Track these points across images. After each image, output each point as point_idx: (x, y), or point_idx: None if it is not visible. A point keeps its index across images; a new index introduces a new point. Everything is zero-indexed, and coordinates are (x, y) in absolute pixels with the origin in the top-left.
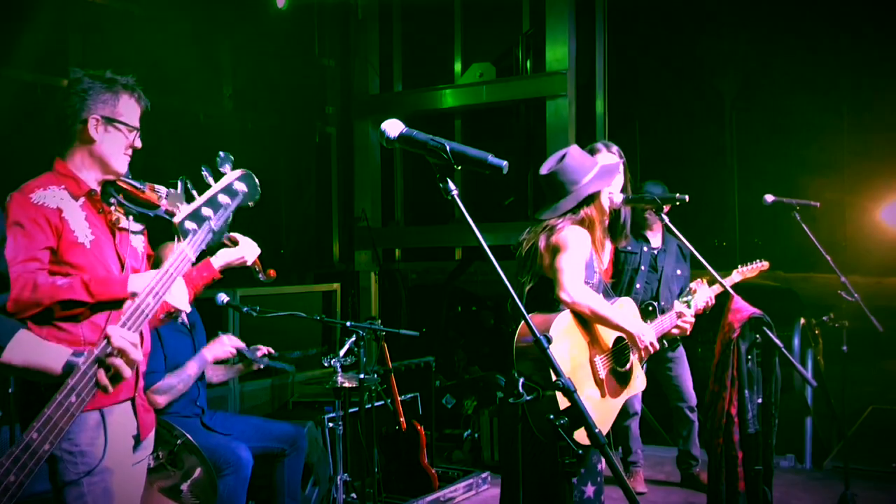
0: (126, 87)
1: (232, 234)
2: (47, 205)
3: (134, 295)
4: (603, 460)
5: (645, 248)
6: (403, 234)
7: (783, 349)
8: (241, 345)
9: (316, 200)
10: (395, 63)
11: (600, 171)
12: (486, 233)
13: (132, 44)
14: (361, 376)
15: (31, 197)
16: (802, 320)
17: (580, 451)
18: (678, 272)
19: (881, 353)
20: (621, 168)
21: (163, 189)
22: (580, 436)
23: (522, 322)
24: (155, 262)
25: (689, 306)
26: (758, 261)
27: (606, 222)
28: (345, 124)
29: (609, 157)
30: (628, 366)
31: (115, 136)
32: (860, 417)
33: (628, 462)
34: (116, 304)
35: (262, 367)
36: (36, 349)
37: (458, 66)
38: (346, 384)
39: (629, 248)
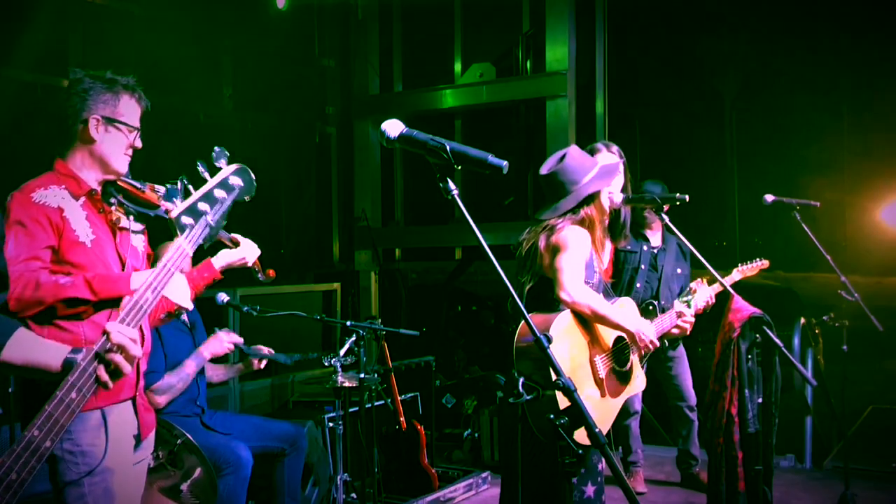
0: (126, 87)
1: (233, 234)
2: (48, 204)
3: None
4: (603, 460)
5: (645, 247)
6: (403, 234)
7: (783, 349)
8: (239, 340)
9: (316, 200)
10: (395, 63)
11: (600, 171)
12: (486, 233)
13: (132, 44)
14: (361, 376)
15: (32, 196)
16: (802, 320)
17: (580, 451)
18: (678, 271)
19: (881, 352)
20: (621, 168)
21: (162, 189)
22: (580, 436)
23: (522, 322)
24: (155, 262)
25: (689, 306)
26: (758, 259)
27: (606, 222)
28: (345, 124)
29: (609, 156)
30: (628, 365)
31: (115, 136)
32: (860, 417)
33: (628, 462)
34: (119, 302)
35: (262, 366)
36: (34, 347)
37: (458, 66)
38: (346, 384)
39: (629, 247)
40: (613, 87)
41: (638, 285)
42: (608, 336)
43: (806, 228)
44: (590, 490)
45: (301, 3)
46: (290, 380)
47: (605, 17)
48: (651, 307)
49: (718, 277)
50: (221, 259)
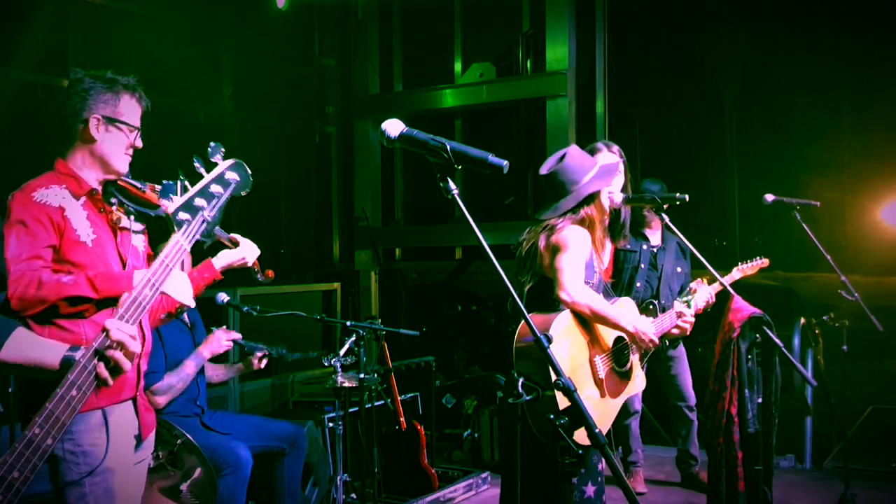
0: (127, 87)
1: (232, 234)
2: (50, 203)
3: None
4: (603, 460)
5: (644, 246)
6: (403, 233)
7: (783, 349)
8: (237, 336)
9: (316, 200)
10: (395, 63)
11: (600, 171)
12: (486, 232)
13: (132, 44)
14: (361, 376)
15: (33, 196)
16: (802, 320)
17: (580, 452)
18: (678, 269)
19: (881, 352)
20: (621, 167)
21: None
22: (580, 436)
23: (522, 322)
24: None
25: (688, 306)
26: (758, 258)
27: (606, 222)
28: (345, 124)
29: (609, 156)
30: (628, 365)
31: (116, 136)
32: (860, 417)
33: (628, 462)
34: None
35: (262, 365)
36: (33, 346)
37: (458, 66)
38: (346, 384)
39: (628, 246)
40: (613, 87)
41: (638, 284)
42: (608, 336)
43: (806, 228)
44: (590, 490)
45: (301, 3)
46: (290, 380)
47: (605, 17)
48: (651, 306)
49: (718, 277)
50: (221, 259)
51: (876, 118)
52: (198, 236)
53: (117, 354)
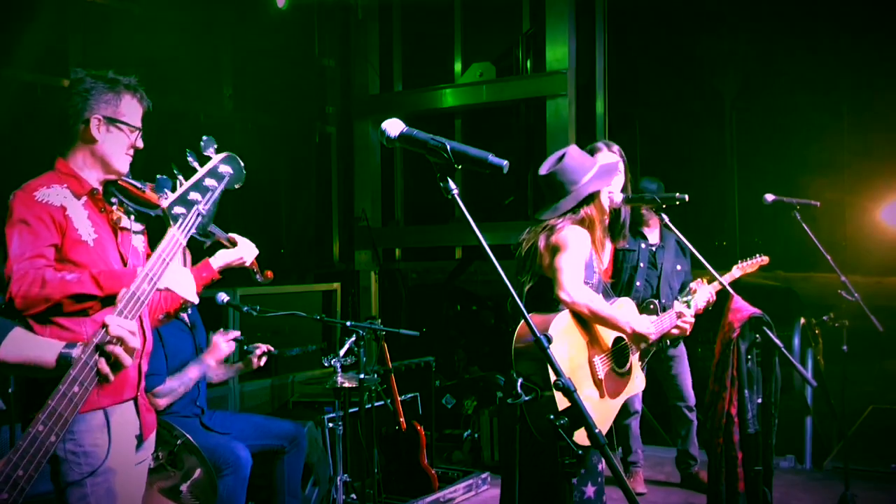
0: (128, 87)
1: (231, 234)
2: (52, 202)
3: None
4: (603, 460)
5: (643, 245)
6: (403, 233)
7: (783, 349)
8: (235, 333)
9: (316, 200)
10: (395, 63)
11: (599, 171)
12: (486, 232)
13: (132, 44)
14: (361, 376)
15: (35, 195)
16: (802, 320)
17: (580, 452)
18: (678, 267)
19: (881, 352)
20: (621, 167)
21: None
22: (580, 436)
23: (521, 322)
24: None
25: (688, 306)
26: (757, 255)
27: (606, 222)
28: (345, 124)
29: (609, 156)
30: (627, 366)
31: (116, 136)
32: (860, 417)
33: (628, 462)
34: None
35: (261, 363)
36: (30, 344)
37: (458, 66)
38: (346, 384)
39: (627, 245)
40: (613, 87)
41: (638, 284)
42: (607, 336)
43: (806, 228)
44: (590, 490)
45: (301, 3)
46: (290, 380)
47: (605, 17)
48: (651, 306)
49: (718, 277)
50: (220, 259)
51: (876, 118)
52: (193, 230)
53: (117, 350)
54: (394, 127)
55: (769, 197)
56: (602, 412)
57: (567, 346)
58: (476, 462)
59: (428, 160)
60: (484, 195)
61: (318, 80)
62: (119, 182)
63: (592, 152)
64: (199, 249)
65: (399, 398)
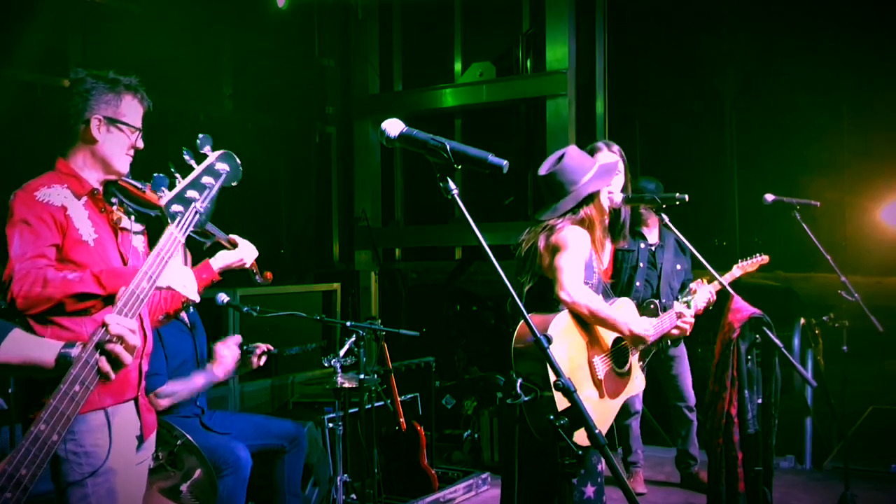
0: (129, 87)
1: (231, 235)
2: (52, 202)
3: None
4: (603, 461)
5: (642, 245)
6: (403, 233)
7: (783, 349)
8: (237, 338)
9: (316, 200)
10: (395, 63)
11: (599, 171)
12: (486, 232)
13: (132, 44)
14: (361, 376)
15: (35, 195)
16: (802, 320)
17: (580, 452)
18: (678, 266)
19: (881, 352)
20: (621, 167)
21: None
22: (580, 437)
23: (521, 322)
24: None
25: (688, 306)
26: (758, 254)
27: (606, 222)
28: (345, 124)
29: (609, 156)
30: (627, 366)
31: (117, 137)
32: (860, 417)
33: (628, 462)
34: None
35: (261, 363)
36: (29, 345)
37: (458, 66)
38: (346, 384)
39: (626, 245)
40: (613, 87)
41: (637, 284)
42: (607, 337)
43: (806, 228)
44: (590, 491)
45: (301, 3)
46: (290, 380)
47: (605, 17)
48: (652, 306)
49: (718, 277)
50: (220, 260)
51: (876, 118)
52: (191, 227)
53: (118, 348)
54: (394, 127)
55: (769, 197)
56: (602, 412)
57: (567, 347)
58: (476, 462)
59: (428, 160)
60: (484, 195)
61: (318, 80)
62: (119, 182)
63: (592, 152)
64: (199, 250)
65: (399, 398)
